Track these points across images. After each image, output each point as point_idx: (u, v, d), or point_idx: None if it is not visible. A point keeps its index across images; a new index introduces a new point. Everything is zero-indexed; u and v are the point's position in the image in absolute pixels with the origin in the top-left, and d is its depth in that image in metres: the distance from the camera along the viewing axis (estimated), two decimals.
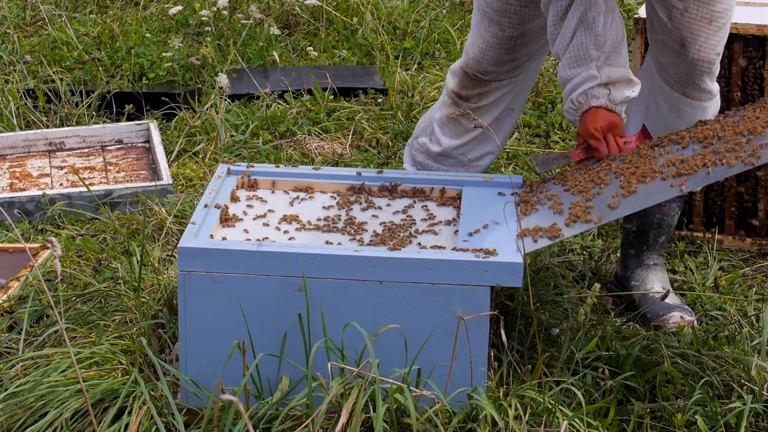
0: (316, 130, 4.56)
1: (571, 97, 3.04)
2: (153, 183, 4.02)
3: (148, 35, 5.39)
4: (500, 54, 3.30)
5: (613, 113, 3.02)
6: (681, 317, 3.24)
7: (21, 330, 3.10)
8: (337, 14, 5.60)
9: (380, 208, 3.02)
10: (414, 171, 3.40)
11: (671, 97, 3.23)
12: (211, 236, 2.80)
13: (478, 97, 3.39)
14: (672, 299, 3.31)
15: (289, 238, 2.85)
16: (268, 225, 2.91)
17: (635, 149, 2.99)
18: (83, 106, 4.70)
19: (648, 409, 2.87)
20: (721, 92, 3.62)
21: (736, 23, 3.55)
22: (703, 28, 3.13)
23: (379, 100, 4.82)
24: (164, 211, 3.83)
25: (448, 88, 3.44)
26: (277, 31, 5.42)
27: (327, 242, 2.82)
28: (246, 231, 2.88)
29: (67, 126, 4.62)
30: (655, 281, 3.37)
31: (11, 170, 4.28)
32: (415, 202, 3.07)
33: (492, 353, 2.83)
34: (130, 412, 2.71)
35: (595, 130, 3.00)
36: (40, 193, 3.95)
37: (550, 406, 2.69)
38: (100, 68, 5.03)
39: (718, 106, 3.27)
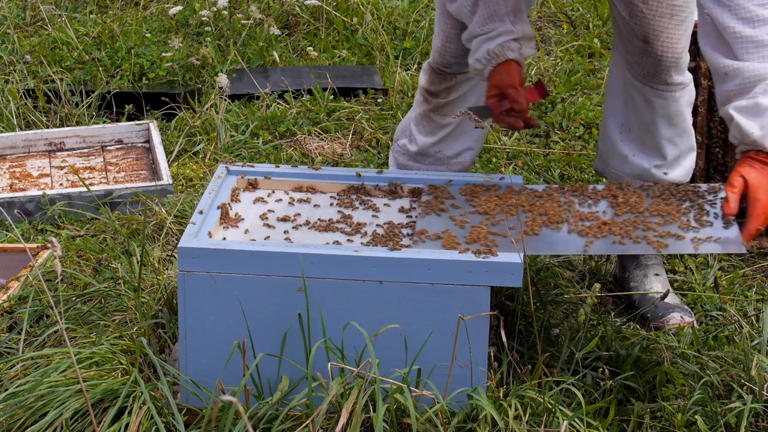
0: (316, 130, 4.56)
1: (487, 48, 3.07)
2: (153, 183, 4.02)
3: (148, 35, 5.39)
4: (461, 46, 3.31)
5: (521, 67, 3.09)
6: (681, 318, 3.24)
7: (21, 330, 3.10)
8: (337, 14, 5.60)
9: (379, 208, 3.02)
10: (414, 172, 3.40)
11: (643, 90, 3.26)
12: (211, 236, 2.80)
13: (446, 91, 3.40)
14: (671, 299, 3.31)
15: (286, 239, 2.85)
16: (268, 225, 2.91)
17: (548, 190, 3.03)
18: (83, 106, 4.70)
19: (648, 409, 2.87)
20: None
21: None
22: (665, 22, 3.15)
23: (379, 100, 4.82)
24: (164, 211, 3.83)
25: (420, 85, 3.48)
26: (277, 31, 5.42)
27: (327, 242, 2.82)
28: (246, 231, 2.88)
29: (67, 126, 4.62)
30: (654, 281, 3.37)
31: (11, 170, 4.28)
32: (414, 202, 3.07)
33: (492, 353, 2.83)
34: (130, 412, 2.71)
35: (513, 81, 3.06)
36: (40, 193, 3.95)
37: (550, 406, 2.69)
38: (100, 68, 5.03)
39: (693, 94, 3.30)
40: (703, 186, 3.02)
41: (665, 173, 3.33)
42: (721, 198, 2.90)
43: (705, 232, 2.81)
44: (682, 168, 3.35)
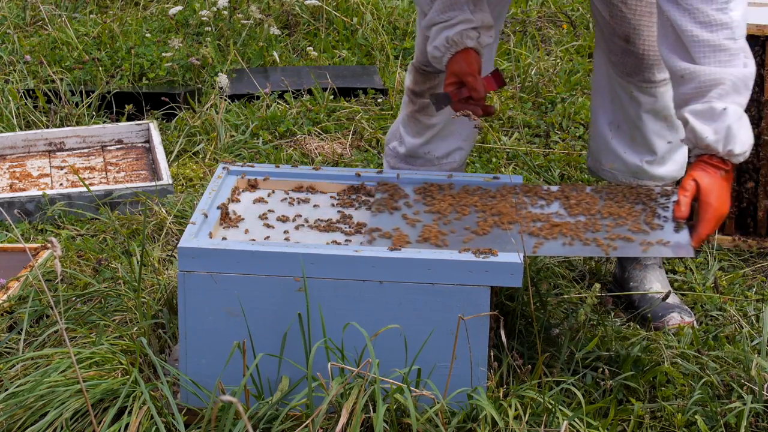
0: (316, 130, 4.56)
1: (446, 36, 3.08)
2: (153, 183, 4.02)
3: (148, 35, 5.39)
4: None
5: (479, 56, 3.11)
6: (681, 318, 3.24)
7: (21, 330, 3.10)
8: (337, 14, 5.60)
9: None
10: (414, 171, 3.39)
11: (627, 87, 3.27)
12: (211, 235, 2.80)
13: (430, 91, 3.41)
14: (672, 299, 3.31)
15: (286, 239, 2.85)
16: (268, 225, 2.91)
17: (501, 191, 3.05)
18: (83, 106, 4.70)
19: (648, 409, 2.87)
20: None
21: None
22: (645, 21, 3.16)
23: (379, 100, 4.82)
24: (164, 211, 3.82)
25: (405, 86, 3.49)
26: (277, 31, 5.42)
27: (327, 242, 2.82)
28: (246, 231, 2.88)
29: (67, 126, 4.62)
30: (653, 281, 3.37)
31: (11, 170, 4.28)
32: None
33: (492, 353, 2.83)
34: (130, 412, 2.71)
35: (471, 69, 3.08)
36: (40, 193, 3.95)
37: (550, 406, 2.69)
38: (100, 68, 5.03)
39: None
40: (657, 189, 3.03)
41: (658, 168, 3.34)
42: (674, 201, 2.90)
43: (655, 235, 2.82)
44: (674, 162, 3.36)
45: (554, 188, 3.06)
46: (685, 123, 2.87)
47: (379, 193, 3.04)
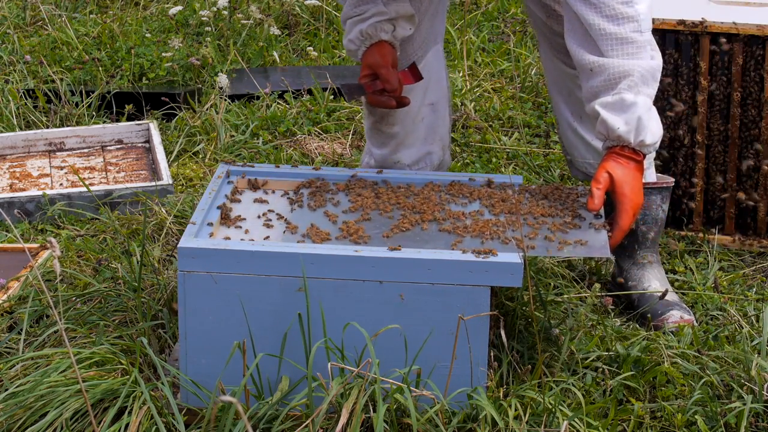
0: (316, 130, 4.56)
1: (360, 29, 3.14)
2: (153, 183, 4.02)
3: (148, 35, 5.39)
4: None
5: (394, 49, 3.16)
6: (680, 316, 3.24)
7: (21, 330, 3.10)
8: (337, 14, 5.60)
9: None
10: (414, 171, 3.39)
11: (577, 78, 3.28)
12: (211, 236, 2.80)
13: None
14: (670, 296, 3.31)
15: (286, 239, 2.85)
16: (268, 225, 2.91)
17: (425, 189, 3.06)
18: (83, 106, 4.70)
19: (648, 409, 2.87)
20: (721, 92, 3.62)
21: (736, 23, 3.55)
22: None
23: None
24: (164, 211, 3.82)
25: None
26: (277, 31, 5.42)
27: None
28: (246, 231, 2.88)
29: (67, 126, 4.62)
30: (652, 279, 3.37)
31: (11, 170, 4.28)
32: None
33: (492, 353, 2.83)
34: (130, 413, 2.71)
35: (385, 62, 3.14)
36: (40, 193, 3.95)
37: (550, 406, 2.69)
38: (100, 68, 5.03)
39: None
40: (580, 188, 3.05)
41: None
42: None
43: (574, 235, 2.83)
44: None
45: (478, 182, 3.09)
46: (596, 116, 2.91)
47: (304, 189, 3.05)
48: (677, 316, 3.25)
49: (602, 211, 2.93)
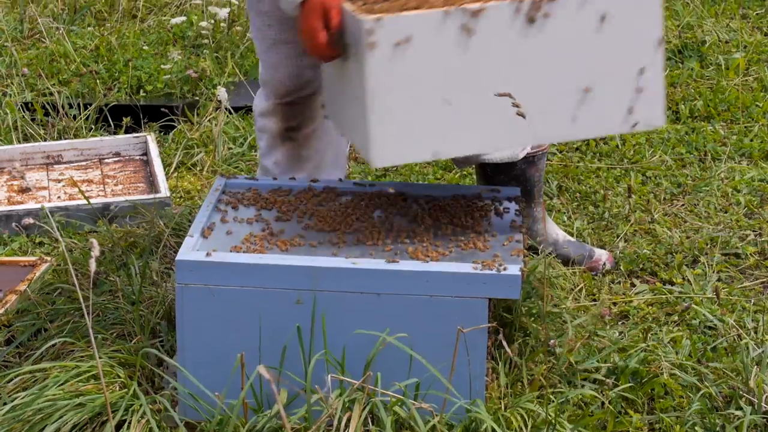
0: None
1: None
2: (151, 196, 4.02)
3: (145, 48, 5.40)
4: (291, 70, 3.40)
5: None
6: (608, 257, 3.56)
7: (19, 344, 3.09)
8: None
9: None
10: (412, 183, 3.40)
11: None
12: (208, 255, 2.80)
13: (307, 121, 3.46)
14: (569, 238, 3.60)
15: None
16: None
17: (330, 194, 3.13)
18: (81, 118, 4.70)
19: (646, 421, 2.87)
20: None
21: None
22: None
23: None
24: (162, 224, 3.82)
25: (272, 133, 3.49)
26: None
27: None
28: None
29: (65, 139, 4.62)
30: (551, 224, 3.61)
31: (9, 183, 4.28)
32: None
33: (491, 365, 2.83)
34: (129, 426, 2.71)
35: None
36: (38, 206, 3.95)
37: (550, 419, 2.69)
38: (98, 81, 5.03)
39: None
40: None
41: None
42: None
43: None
44: None
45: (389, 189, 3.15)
46: None
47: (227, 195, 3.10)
48: (605, 256, 3.56)
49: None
